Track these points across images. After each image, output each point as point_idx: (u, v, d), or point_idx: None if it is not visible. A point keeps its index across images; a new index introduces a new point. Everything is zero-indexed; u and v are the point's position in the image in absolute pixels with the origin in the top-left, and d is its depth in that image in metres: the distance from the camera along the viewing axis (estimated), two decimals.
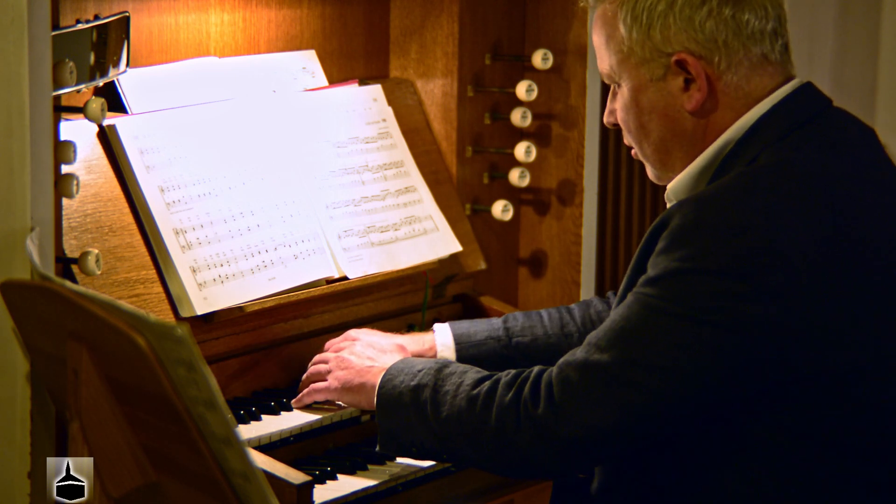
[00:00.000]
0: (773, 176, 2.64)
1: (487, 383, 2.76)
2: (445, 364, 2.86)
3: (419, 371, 2.86)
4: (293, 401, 3.22)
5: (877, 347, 2.61)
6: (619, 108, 2.80)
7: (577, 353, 2.66)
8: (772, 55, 2.73)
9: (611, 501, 2.77)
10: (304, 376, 3.24)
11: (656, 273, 2.60)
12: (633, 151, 2.86)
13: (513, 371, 2.76)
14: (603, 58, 2.80)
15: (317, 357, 3.25)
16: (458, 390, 2.78)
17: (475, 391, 2.76)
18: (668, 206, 2.80)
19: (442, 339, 3.31)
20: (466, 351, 3.29)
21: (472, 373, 2.81)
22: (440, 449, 2.83)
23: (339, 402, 3.19)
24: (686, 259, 2.57)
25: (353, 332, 3.27)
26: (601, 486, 2.79)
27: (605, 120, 2.88)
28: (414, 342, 3.29)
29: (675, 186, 2.78)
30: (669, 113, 2.75)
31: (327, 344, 3.27)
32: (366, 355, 3.14)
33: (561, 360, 2.69)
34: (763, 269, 2.53)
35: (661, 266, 2.59)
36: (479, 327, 3.30)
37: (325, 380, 3.16)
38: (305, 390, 3.20)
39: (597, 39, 2.81)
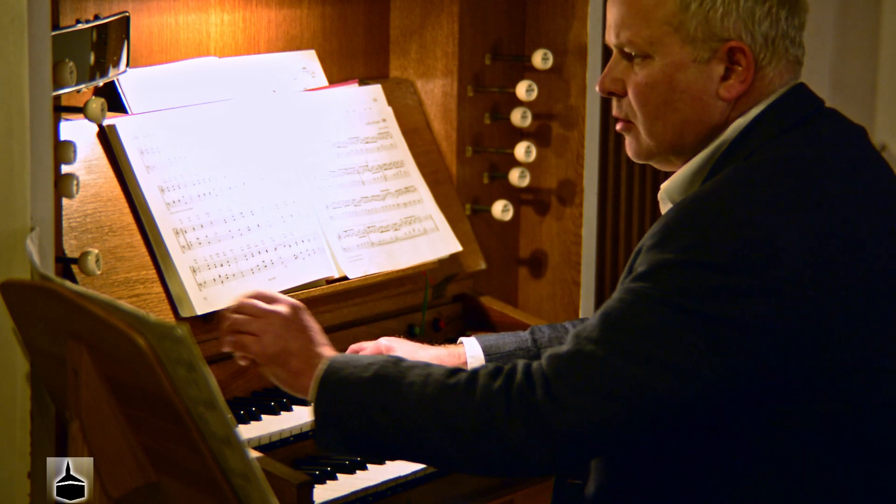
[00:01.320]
0: (771, 171, 2.64)
1: (464, 374, 2.64)
2: (401, 358, 2.74)
3: (370, 363, 2.71)
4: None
5: (875, 347, 2.61)
6: (639, 80, 2.71)
7: (565, 347, 2.61)
8: (801, 59, 2.76)
9: (607, 501, 2.77)
10: (230, 323, 2.92)
11: (646, 267, 2.57)
12: (620, 124, 2.78)
13: (491, 364, 2.67)
14: (635, 28, 2.71)
15: (246, 304, 2.93)
16: (428, 381, 2.65)
17: (452, 380, 2.64)
18: (661, 205, 2.78)
19: (471, 351, 3.22)
20: (496, 361, 3.18)
21: (438, 366, 2.69)
22: (403, 444, 2.67)
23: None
24: (680, 251, 2.54)
25: (384, 342, 3.14)
26: (597, 486, 2.78)
27: (600, 86, 2.78)
28: (450, 355, 3.18)
29: (669, 187, 2.77)
30: (703, 97, 2.72)
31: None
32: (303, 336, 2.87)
33: (548, 353, 2.62)
34: (762, 265, 2.52)
35: (651, 260, 2.56)
36: (507, 339, 3.23)
37: (255, 334, 2.88)
38: (231, 338, 2.90)
39: (631, 9, 2.72)
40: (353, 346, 3.17)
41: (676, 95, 2.72)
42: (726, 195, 2.59)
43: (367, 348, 3.15)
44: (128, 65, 3.01)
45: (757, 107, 2.72)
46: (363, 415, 2.66)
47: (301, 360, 2.81)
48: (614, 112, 2.80)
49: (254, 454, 2.84)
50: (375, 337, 3.45)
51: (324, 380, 2.70)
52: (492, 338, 3.22)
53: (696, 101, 2.72)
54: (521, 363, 2.63)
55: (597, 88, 2.82)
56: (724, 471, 2.62)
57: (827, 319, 2.55)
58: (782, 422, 2.58)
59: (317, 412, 2.69)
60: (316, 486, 2.92)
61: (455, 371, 2.65)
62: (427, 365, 2.69)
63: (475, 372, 2.64)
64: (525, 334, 3.24)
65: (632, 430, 2.60)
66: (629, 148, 2.80)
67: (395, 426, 2.64)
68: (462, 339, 3.22)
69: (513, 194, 3.95)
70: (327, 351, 2.82)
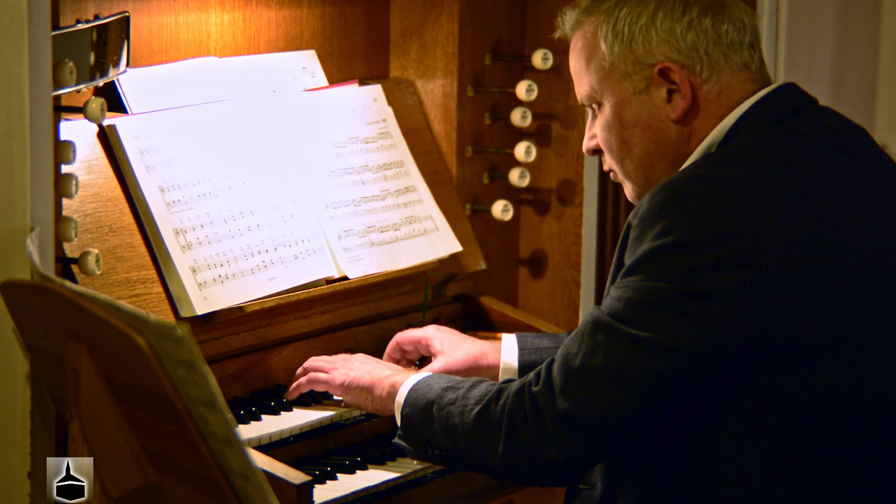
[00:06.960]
0: (738, 154, 2.70)
1: (493, 390, 2.82)
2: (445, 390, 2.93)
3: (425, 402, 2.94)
4: (287, 391, 3.24)
5: (854, 325, 2.64)
6: (599, 128, 2.85)
7: (569, 343, 2.71)
8: (752, 64, 2.81)
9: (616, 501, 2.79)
10: (301, 370, 3.27)
11: (633, 260, 2.64)
12: (611, 174, 2.90)
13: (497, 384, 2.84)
14: (583, 81, 2.85)
15: (315, 358, 3.29)
16: (467, 398, 2.85)
17: (484, 397, 2.82)
18: None
19: (507, 344, 3.37)
20: (528, 357, 3.35)
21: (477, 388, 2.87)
22: (457, 463, 2.91)
23: (337, 397, 3.23)
24: (656, 237, 2.61)
25: (432, 329, 3.39)
26: (604, 489, 2.80)
27: (584, 147, 2.92)
28: (494, 349, 3.36)
29: None
30: (654, 124, 2.80)
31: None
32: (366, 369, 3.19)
33: (558, 353, 2.73)
34: (727, 237, 2.58)
35: (637, 253, 2.64)
36: (543, 338, 3.39)
37: (328, 373, 3.20)
38: (304, 378, 3.23)
39: (575, 64, 2.87)
40: (399, 336, 3.38)
41: (629, 131, 2.82)
42: (690, 178, 2.66)
43: (415, 334, 3.38)
44: (128, 65, 3.01)
45: (740, 107, 2.77)
46: (428, 430, 2.91)
47: (369, 381, 3.11)
48: (604, 167, 2.92)
49: (254, 454, 2.85)
50: (376, 337, 3.47)
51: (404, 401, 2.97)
52: (530, 336, 3.37)
53: (649, 129, 2.81)
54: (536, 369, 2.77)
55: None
56: (715, 459, 2.66)
57: (795, 290, 2.60)
58: (769, 405, 2.62)
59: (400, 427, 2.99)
60: (316, 486, 2.92)
61: (488, 389, 2.84)
62: (471, 385, 2.88)
63: (491, 398, 2.80)
64: (563, 335, 3.38)
65: (634, 420, 2.66)
66: (628, 196, 2.92)
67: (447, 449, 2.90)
68: (504, 335, 3.37)
69: (513, 194, 3.95)
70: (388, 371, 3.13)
